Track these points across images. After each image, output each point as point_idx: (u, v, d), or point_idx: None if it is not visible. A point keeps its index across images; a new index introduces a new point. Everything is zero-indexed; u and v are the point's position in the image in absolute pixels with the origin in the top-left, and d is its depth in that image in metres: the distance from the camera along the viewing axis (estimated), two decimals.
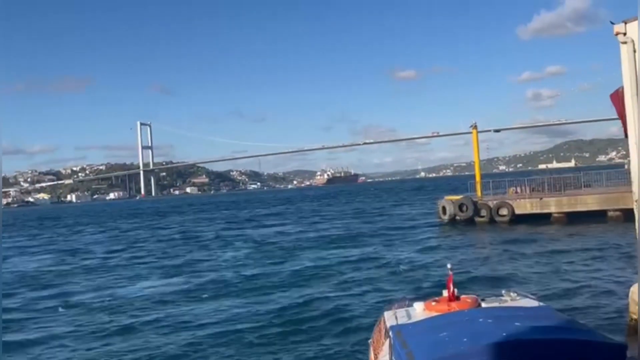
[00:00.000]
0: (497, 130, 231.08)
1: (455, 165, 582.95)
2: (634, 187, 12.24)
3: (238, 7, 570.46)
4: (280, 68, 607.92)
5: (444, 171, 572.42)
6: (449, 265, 8.50)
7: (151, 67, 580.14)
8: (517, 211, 37.70)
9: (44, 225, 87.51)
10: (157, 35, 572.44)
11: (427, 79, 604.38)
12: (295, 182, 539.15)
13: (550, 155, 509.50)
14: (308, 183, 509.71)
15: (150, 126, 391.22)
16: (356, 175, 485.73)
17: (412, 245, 30.10)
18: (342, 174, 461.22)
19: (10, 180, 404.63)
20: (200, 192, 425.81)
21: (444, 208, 40.75)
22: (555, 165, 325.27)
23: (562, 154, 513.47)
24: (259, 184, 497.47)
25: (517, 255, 24.26)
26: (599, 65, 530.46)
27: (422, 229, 39.55)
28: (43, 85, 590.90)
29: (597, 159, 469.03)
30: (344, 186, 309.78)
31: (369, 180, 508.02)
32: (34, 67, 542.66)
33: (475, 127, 42.80)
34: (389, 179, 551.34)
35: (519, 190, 42.03)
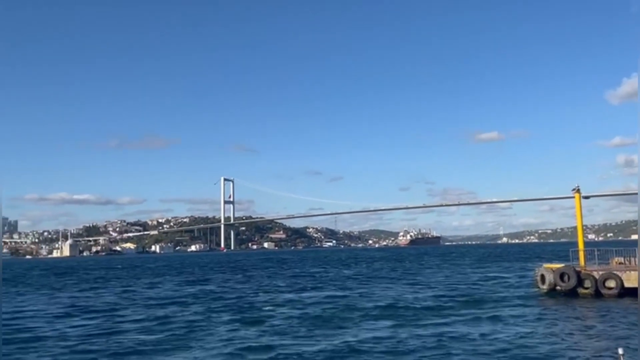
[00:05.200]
0: (586, 197, 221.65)
1: (540, 231, 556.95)
2: None
3: (319, 72, 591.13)
4: (358, 130, 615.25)
5: (528, 237, 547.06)
6: (620, 351, 6.89)
7: (234, 127, 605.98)
8: (627, 284, 34.44)
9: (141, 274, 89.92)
10: (240, 95, 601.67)
11: (509, 142, 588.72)
12: (370, 241, 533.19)
13: None
14: (385, 243, 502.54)
15: (233, 182, 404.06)
16: (438, 238, 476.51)
17: (524, 320, 27.10)
18: (425, 236, 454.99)
19: (101, 229, 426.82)
20: (277, 248, 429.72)
21: (542, 277, 38.00)
22: None
23: None
24: (334, 241, 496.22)
25: None
26: None
27: (522, 299, 35.90)
28: (133, 142, 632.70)
29: None
30: (427, 248, 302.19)
31: (447, 243, 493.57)
32: (125, 127, 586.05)
33: (578, 190, 40.07)
34: (469, 242, 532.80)
35: (625, 261, 38.71)
